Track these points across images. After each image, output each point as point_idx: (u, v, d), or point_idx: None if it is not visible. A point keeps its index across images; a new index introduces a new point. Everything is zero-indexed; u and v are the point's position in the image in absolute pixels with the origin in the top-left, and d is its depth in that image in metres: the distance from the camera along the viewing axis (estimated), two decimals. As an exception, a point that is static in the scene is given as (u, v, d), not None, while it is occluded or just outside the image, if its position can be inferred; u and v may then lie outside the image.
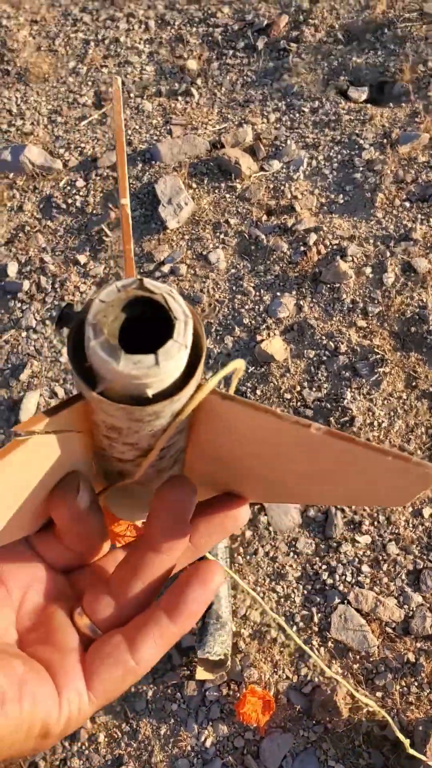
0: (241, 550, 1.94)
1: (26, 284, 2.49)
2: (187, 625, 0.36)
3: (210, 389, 0.32)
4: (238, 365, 0.37)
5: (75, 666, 0.35)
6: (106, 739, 1.83)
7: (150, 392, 0.30)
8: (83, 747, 1.82)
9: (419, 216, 2.33)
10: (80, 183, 2.71)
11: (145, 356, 0.29)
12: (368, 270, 2.26)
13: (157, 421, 0.32)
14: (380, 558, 1.88)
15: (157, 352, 0.29)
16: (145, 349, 0.30)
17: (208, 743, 1.77)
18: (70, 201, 2.67)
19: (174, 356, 0.29)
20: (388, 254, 2.27)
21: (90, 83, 3.04)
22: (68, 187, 2.71)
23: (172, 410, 0.32)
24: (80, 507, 0.35)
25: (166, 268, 2.45)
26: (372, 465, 0.32)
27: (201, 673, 1.80)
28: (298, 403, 2.10)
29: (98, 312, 0.30)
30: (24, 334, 2.40)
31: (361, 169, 2.48)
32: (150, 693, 1.85)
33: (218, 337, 2.28)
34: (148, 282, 0.31)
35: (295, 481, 0.40)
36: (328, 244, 2.34)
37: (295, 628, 1.83)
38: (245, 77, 2.88)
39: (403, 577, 1.84)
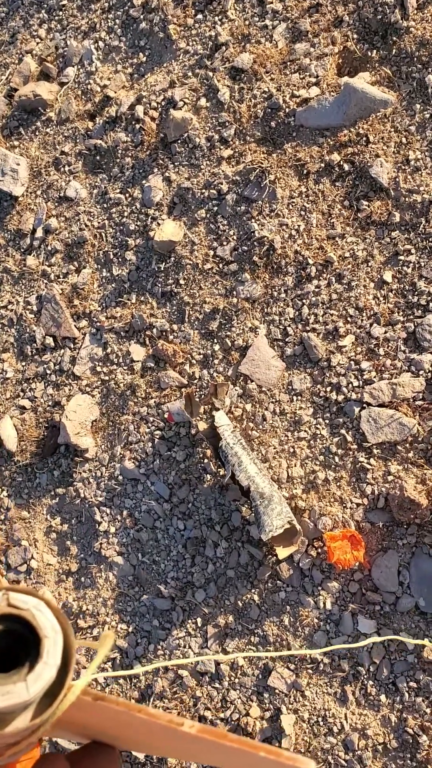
0: (251, 424, 1.84)
1: None
2: None
3: (80, 691, 0.30)
4: (108, 641, 0.34)
5: None
6: (245, 660, 1.79)
7: (21, 717, 0.28)
8: (232, 679, 1.79)
9: (216, 18, 2.11)
10: None
11: (15, 686, 0.27)
12: (203, 101, 2.07)
13: (30, 738, 0.30)
14: (372, 346, 1.75)
15: (26, 678, 0.27)
16: (13, 660, 0.28)
17: (329, 605, 1.71)
18: None
19: (44, 678, 0.28)
20: (211, 73, 2.08)
21: None
22: None
23: (42, 719, 0.30)
24: None
25: (40, 233, 2.32)
26: (246, 759, 0.32)
27: (282, 552, 1.73)
28: (221, 265, 1.96)
29: None
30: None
31: (141, 17, 2.27)
32: (256, 597, 1.79)
33: (119, 259, 2.15)
34: (16, 597, 0.29)
35: (167, 751, 0.44)
36: (156, 105, 2.16)
37: (336, 458, 1.74)
38: (-2, 15, 2.67)
39: (402, 347, 1.71)
